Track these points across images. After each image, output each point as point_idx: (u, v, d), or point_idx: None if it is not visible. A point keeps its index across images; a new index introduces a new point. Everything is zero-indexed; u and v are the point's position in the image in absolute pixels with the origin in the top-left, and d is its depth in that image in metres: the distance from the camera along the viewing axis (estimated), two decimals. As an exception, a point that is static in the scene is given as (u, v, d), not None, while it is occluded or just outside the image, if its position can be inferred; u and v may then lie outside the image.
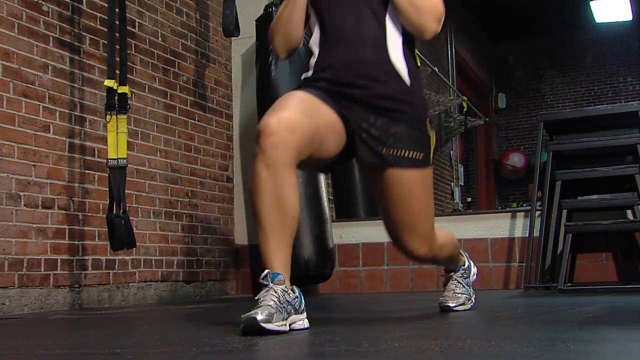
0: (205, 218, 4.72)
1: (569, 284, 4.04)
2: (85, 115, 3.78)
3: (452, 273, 2.69)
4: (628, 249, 4.40)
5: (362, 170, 2.22)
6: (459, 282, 2.68)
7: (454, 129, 8.57)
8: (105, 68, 3.63)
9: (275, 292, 1.86)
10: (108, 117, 3.36)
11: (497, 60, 11.76)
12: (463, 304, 2.63)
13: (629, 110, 4.35)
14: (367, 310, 2.95)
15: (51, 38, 3.61)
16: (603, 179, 4.20)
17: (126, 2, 3.63)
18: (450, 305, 2.59)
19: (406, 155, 2.09)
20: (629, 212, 4.31)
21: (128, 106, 3.43)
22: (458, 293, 2.65)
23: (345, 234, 4.83)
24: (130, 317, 3.02)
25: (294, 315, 1.91)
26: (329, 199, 4.51)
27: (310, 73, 2.17)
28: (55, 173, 3.56)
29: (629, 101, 10.40)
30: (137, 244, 3.55)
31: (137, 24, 4.22)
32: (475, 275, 2.80)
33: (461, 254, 2.72)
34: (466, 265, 2.73)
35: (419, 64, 2.21)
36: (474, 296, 2.71)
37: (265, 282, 1.89)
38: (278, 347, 1.60)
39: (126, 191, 3.42)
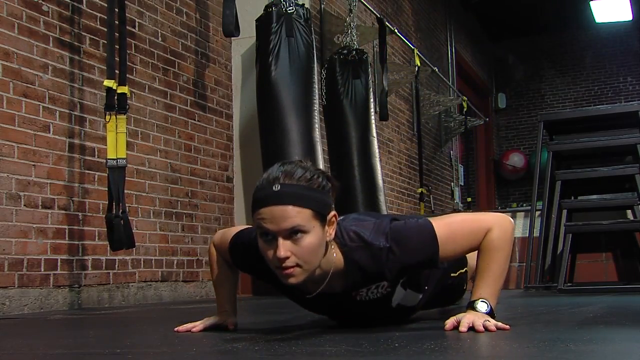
0: (205, 218, 4.71)
1: (569, 284, 4.04)
2: (85, 115, 3.78)
3: None
4: (628, 249, 4.40)
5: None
6: None
7: (454, 129, 8.57)
8: (105, 68, 3.63)
9: None
10: (107, 117, 3.36)
11: (497, 60, 11.77)
12: None
13: (629, 110, 4.36)
14: (367, 310, 2.95)
15: (51, 38, 3.61)
16: (603, 179, 4.20)
17: (126, 2, 3.62)
18: None
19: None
20: (629, 212, 4.32)
21: (127, 106, 3.43)
22: None
23: (345, 234, 4.82)
24: (130, 317, 3.02)
25: None
26: (329, 199, 4.50)
27: None
28: (55, 173, 3.56)
29: (629, 101, 10.41)
30: (136, 244, 3.54)
31: (137, 24, 4.22)
32: None
33: None
34: None
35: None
36: None
37: None
38: (278, 346, 1.60)
39: (126, 191, 3.41)
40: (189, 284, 4.50)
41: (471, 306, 1.84)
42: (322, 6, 5.44)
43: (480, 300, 1.84)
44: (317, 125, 4.31)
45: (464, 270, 2.37)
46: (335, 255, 1.84)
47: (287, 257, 1.69)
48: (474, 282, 1.92)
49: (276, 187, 1.70)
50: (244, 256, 2.02)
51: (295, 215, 1.68)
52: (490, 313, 1.83)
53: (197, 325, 2.00)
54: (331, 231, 1.79)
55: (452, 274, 2.31)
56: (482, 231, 1.89)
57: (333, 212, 1.79)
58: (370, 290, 1.94)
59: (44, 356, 1.63)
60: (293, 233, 1.69)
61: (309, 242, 1.70)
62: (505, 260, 1.90)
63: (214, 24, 4.97)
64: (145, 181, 4.19)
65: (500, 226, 1.89)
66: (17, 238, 3.32)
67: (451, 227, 1.89)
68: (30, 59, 3.48)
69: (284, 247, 1.68)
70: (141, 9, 4.27)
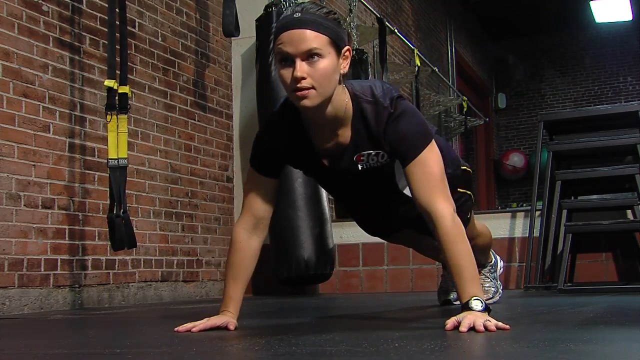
0: (205, 218, 4.72)
1: (569, 284, 4.04)
2: (85, 115, 3.78)
3: (480, 269, 2.81)
4: (628, 249, 4.40)
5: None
6: (486, 276, 2.87)
7: (454, 129, 8.57)
8: (105, 68, 3.63)
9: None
10: (108, 117, 3.36)
11: (497, 60, 11.77)
12: (492, 297, 2.82)
13: (629, 110, 4.35)
14: (367, 310, 2.95)
15: (51, 38, 3.61)
16: (603, 179, 4.20)
17: (126, 2, 3.62)
18: None
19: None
20: (629, 212, 4.32)
21: (128, 106, 3.43)
22: (486, 287, 2.84)
23: (345, 234, 4.83)
24: (130, 317, 3.02)
25: None
26: (329, 199, 4.52)
27: None
28: (55, 173, 3.56)
29: (629, 101, 10.40)
30: (137, 244, 3.55)
31: (137, 24, 4.22)
32: (502, 269, 3.00)
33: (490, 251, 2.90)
34: (493, 262, 2.92)
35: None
36: (501, 288, 2.93)
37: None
38: (278, 346, 1.60)
39: (126, 191, 3.42)
40: (189, 284, 4.50)
41: (466, 307, 1.84)
42: (322, 6, 5.43)
43: (473, 298, 1.85)
44: (317, 125, 4.30)
45: (469, 192, 2.41)
46: (347, 101, 1.97)
47: (304, 78, 1.84)
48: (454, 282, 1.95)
49: (297, 15, 1.87)
50: (264, 151, 2.11)
51: (313, 38, 1.84)
52: (486, 309, 1.84)
53: (197, 325, 2.01)
54: (345, 64, 1.92)
55: (459, 189, 2.34)
56: (438, 199, 1.92)
57: (347, 47, 1.93)
58: (371, 157, 2.05)
59: (44, 356, 1.63)
60: (310, 56, 1.84)
61: (324, 66, 1.85)
62: (470, 251, 1.93)
63: (214, 24, 4.97)
64: (145, 181, 4.19)
65: (452, 219, 1.92)
66: (17, 238, 3.32)
67: (437, 160, 1.97)
68: (30, 59, 3.48)
69: (301, 68, 1.84)
70: (141, 9, 4.27)
